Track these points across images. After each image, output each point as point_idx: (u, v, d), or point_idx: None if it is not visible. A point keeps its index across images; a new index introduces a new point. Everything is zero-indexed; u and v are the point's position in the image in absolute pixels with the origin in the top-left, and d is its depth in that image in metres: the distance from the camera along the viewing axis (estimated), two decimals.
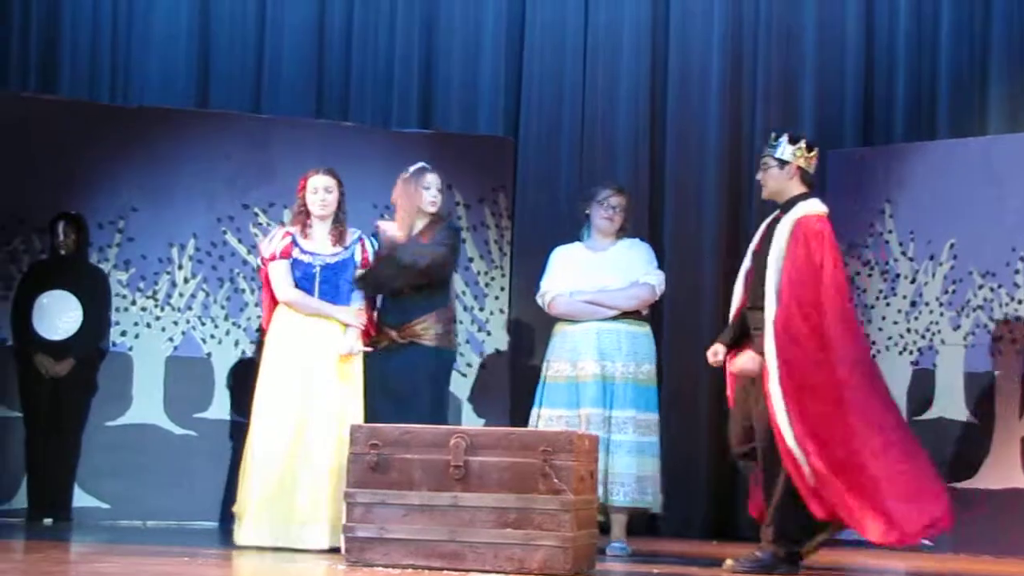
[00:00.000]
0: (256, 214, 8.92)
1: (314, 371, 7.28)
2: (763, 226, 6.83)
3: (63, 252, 8.60)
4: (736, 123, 9.47)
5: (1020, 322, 8.29)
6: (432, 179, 7.40)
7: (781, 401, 6.37)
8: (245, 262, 8.86)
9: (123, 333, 8.74)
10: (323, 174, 7.45)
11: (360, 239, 7.51)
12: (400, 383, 7.25)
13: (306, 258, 7.40)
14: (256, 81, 9.75)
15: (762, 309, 6.52)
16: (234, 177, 8.92)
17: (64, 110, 8.89)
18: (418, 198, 7.37)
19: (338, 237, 7.45)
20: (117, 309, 8.73)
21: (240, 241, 8.91)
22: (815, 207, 6.63)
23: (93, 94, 9.43)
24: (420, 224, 7.40)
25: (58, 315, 8.54)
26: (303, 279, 7.39)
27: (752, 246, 6.84)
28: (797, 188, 6.67)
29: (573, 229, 8.78)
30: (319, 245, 7.44)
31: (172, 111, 9.10)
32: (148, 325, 8.79)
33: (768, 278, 6.50)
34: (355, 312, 7.37)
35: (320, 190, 7.41)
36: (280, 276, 7.41)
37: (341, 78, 9.82)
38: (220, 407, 8.80)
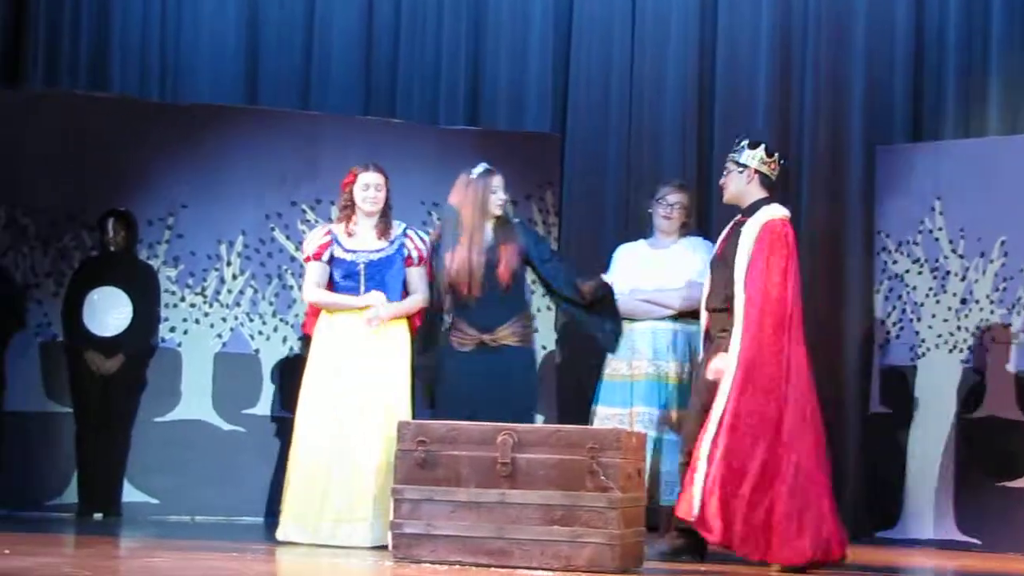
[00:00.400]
0: (304, 211, 8.93)
1: (359, 368, 7.28)
2: (725, 231, 6.95)
3: (113, 249, 8.64)
4: (784, 116, 9.41)
5: None
6: (498, 181, 7.35)
7: (726, 396, 6.50)
8: (293, 259, 8.87)
9: (172, 329, 8.78)
10: (373, 171, 7.46)
11: (406, 233, 7.52)
12: (492, 385, 7.18)
13: (349, 256, 7.42)
14: (304, 78, 9.78)
15: (728, 311, 6.69)
16: (282, 174, 8.93)
17: (114, 108, 8.94)
18: (486, 200, 7.29)
19: (383, 231, 7.45)
20: (166, 305, 8.76)
21: (288, 238, 8.92)
22: (778, 211, 6.81)
23: (143, 92, 9.48)
24: (488, 226, 7.32)
25: (108, 312, 8.59)
26: (347, 277, 7.41)
27: (715, 250, 6.97)
28: (757, 192, 6.86)
29: (620, 225, 8.81)
30: (364, 241, 7.44)
31: (221, 108, 9.12)
32: (197, 321, 8.82)
33: (736, 280, 6.65)
34: (370, 297, 7.33)
35: (371, 187, 7.42)
36: (309, 277, 7.47)
37: (389, 75, 9.83)
38: (268, 403, 8.83)
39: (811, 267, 9.07)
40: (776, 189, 6.97)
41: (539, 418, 7.90)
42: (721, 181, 6.96)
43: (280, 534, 7.24)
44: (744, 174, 6.85)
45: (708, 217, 9.31)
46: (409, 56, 9.82)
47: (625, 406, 7.72)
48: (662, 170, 9.08)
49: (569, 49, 9.85)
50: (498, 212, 7.34)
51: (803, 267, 8.95)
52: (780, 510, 6.44)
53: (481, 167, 7.36)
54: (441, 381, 7.32)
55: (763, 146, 6.89)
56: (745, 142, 6.92)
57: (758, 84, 9.46)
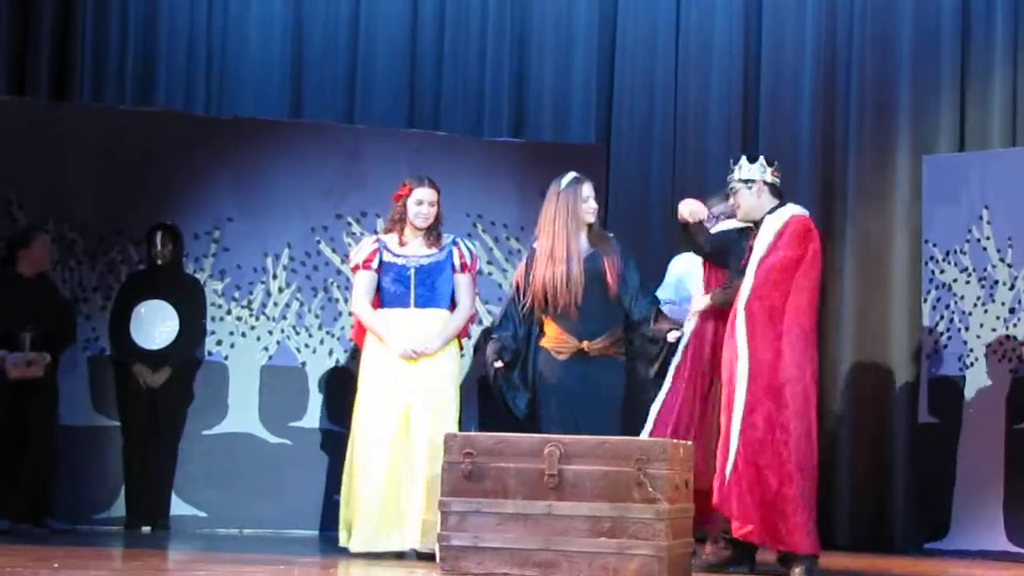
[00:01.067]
0: (349, 223, 8.98)
1: (411, 379, 7.29)
2: (748, 246, 6.97)
3: (160, 262, 8.69)
4: (830, 126, 9.34)
5: None
6: (588, 189, 7.31)
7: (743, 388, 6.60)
8: (339, 271, 8.91)
9: (219, 343, 8.83)
10: (428, 186, 7.45)
11: (455, 242, 7.53)
12: (586, 393, 7.17)
13: (400, 260, 7.42)
14: (349, 91, 9.83)
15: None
16: (328, 187, 8.98)
17: (160, 121, 9.00)
18: (578, 209, 7.25)
19: (434, 242, 7.47)
20: (212, 319, 8.82)
21: (334, 251, 8.96)
22: (798, 209, 6.96)
23: (188, 105, 9.55)
24: (583, 235, 7.27)
25: (155, 325, 8.63)
26: (397, 281, 7.41)
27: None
28: (769, 202, 6.95)
29: (665, 235, 8.75)
30: (414, 248, 7.46)
31: (266, 122, 9.18)
32: (243, 335, 8.87)
33: (748, 272, 6.77)
34: (407, 346, 7.30)
35: (424, 203, 7.42)
36: (357, 286, 7.48)
37: (433, 87, 9.87)
38: (314, 416, 8.85)
39: (859, 277, 9.09)
40: (783, 195, 7.06)
41: None
42: (731, 204, 7.09)
43: (354, 546, 7.20)
44: (753, 189, 6.94)
45: None
46: (453, 68, 9.86)
47: None
48: (707, 180, 9.03)
49: (614, 60, 9.88)
50: (591, 220, 7.31)
51: (851, 277, 9.08)
52: (793, 499, 6.54)
53: (569, 176, 7.31)
54: (541, 387, 7.26)
55: (761, 158, 7.00)
56: (743, 159, 7.01)
57: (803, 95, 9.39)
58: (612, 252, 7.28)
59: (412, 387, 7.28)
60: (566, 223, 7.22)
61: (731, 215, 7.70)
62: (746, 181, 6.95)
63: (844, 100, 9.35)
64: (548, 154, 9.13)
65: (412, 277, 7.42)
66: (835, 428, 8.90)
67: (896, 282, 9.01)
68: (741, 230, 7.12)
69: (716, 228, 7.34)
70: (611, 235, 7.46)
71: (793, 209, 6.93)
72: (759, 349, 6.63)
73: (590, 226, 7.31)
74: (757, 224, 6.92)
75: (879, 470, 8.88)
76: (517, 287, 7.35)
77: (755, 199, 6.95)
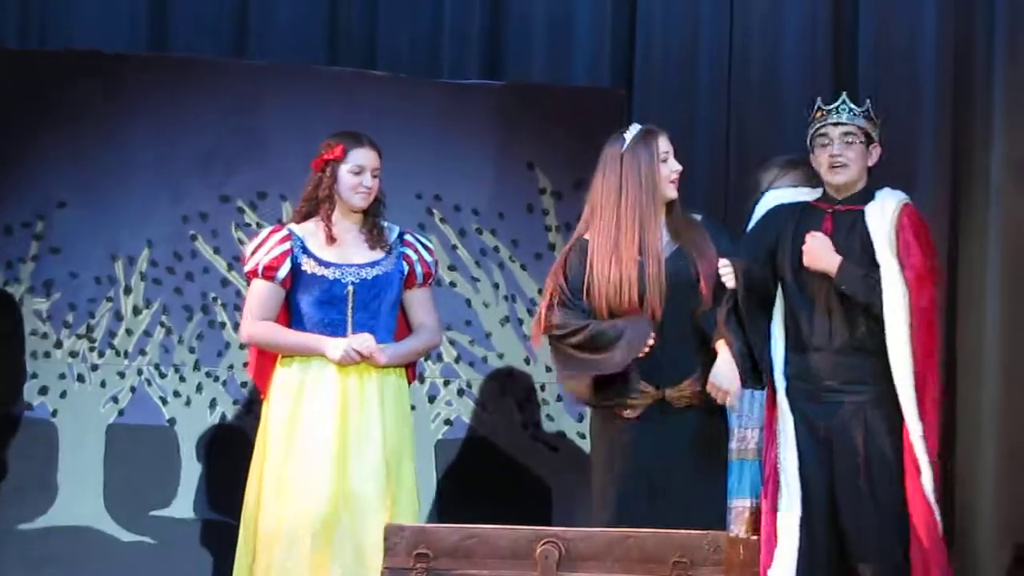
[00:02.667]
0: (241, 209, 8.95)
1: (344, 434, 7.38)
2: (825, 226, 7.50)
3: None
4: (966, 73, 9.55)
5: None
6: (666, 144, 7.32)
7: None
8: (225, 282, 8.91)
9: (43, 391, 8.79)
10: (369, 147, 7.57)
11: (403, 238, 7.63)
12: (677, 467, 7.19)
13: (331, 272, 7.48)
14: (240, 19, 9.86)
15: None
16: (208, 153, 8.96)
17: None
18: (656, 176, 7.23)
19: (375, 238, 7.52)
20: (34, 355, 8.80)
21: (217, 251, 8.94)
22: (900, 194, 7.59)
23: None
24: (662, 218, 7.28)
25: None
26: (328, 304, 7.51)
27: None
28: (865, 176, 7.59)
29: (717, 210, 8.78)
30: (349, 251, 7.52)
31: (113, 57, 9.11)
32: (80, 378, 8.84)
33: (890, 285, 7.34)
34: (349, 343, 7.39)
35: (366, 171, 7.57)
36: (251, 301, 7.55)
37: (364, 23, 9.92)
38: (188, 500, 8.83)
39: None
40: None
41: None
42: (835, 154, 7.45)
43: None
44: (872, 149, 7.50)
45: None
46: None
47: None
48: (782, 139, 9.19)
49: None
50: (673, 193, 7.29)
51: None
52: None
53: (636, 127, 7.34)
54: (601, 468, 7.27)
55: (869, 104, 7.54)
56: (868, 103, 7.50)
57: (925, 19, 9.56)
58: (704, 240, 7.25)
59: (348, 449, 7.37)
60: (637, 201, 7.18)
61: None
62: (870, 137, 7.46)
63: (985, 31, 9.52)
64: (540, 103, 9.20)
65: (350, 298, 7.49)
66: None
67: None
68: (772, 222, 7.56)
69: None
70: (699, 217, 7.43)
71: (895, 194, 7.51)
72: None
73: (670, 204, 7.28)
74: (842, 200, 7.35)
75: None
76: (560, 295, 7.29)
77: (864, 165, 7.47)
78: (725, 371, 7.07)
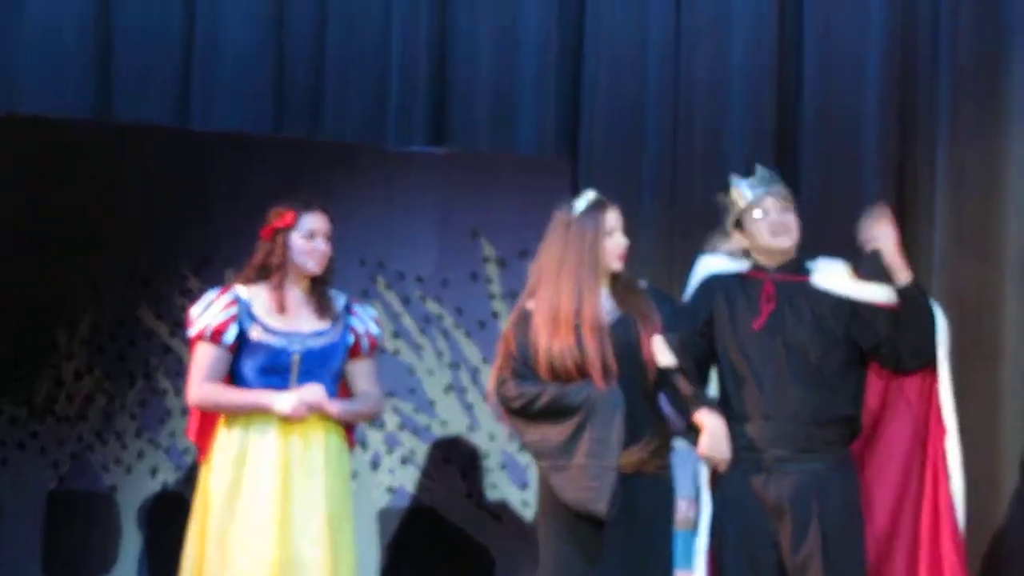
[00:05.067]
0: (184, 276, 8.92)
1: (293, 496, 7.32)
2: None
3: None
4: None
5: None
6: (615, 218, 7.21)
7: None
8: (167, 349, 8.87)
9: None
10: (319, 212, 7.52)
11: (350, 308, 7.58)
12: (627, 541, 7.07)
13: (277, 340, 7.42)
14: (184, 85, 9.90)
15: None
16: (152, 218, 8.95)
17: None
18: (600, 249, 7.15)
19: (323, 307, 7.49)
20: None
21: (159, 316, 8.91)
22: None
23: None
24: (604, 291, 7.20)
25: None
26: (272, 372, 7.42)
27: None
28: None
29: (661, 277, 8.80)
30: (297, 319, 7.48)
31: (54, 121, 9.12)
32: (21, 445, 8.79)
33: None
34: (300, 395, 7.34)
35: (319, 236, 7.48)
36: (198, 364, 7.44)
37: (308, 91, 9.97)
38: (130, 568, 8.79)
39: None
40: None
41: None
42: (775, 220, 7.40)
43: None
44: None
45: None
46: (339, 71, 9.96)
47: None
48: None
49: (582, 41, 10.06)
50: (618, 266, 7.20)
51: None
52: None
53: (587, 197, 7.23)
54: (549, 547, 7.13)
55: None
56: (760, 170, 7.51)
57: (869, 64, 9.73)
58: (649, 312, 7.18)
59: (292, 521, 7.29)
60: (578, 272, 7.12)
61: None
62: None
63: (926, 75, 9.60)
64: (484, 171, 9.27)
65: (295, 366, 7.44)
66: None
67: None
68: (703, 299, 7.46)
69: None
70: (644, 283, 7.36)
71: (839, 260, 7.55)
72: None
73: (615, 275, 7.23)
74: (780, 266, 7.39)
75: None
76: (509, 352, 7.21)
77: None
78: (720, 437, 7.08)
